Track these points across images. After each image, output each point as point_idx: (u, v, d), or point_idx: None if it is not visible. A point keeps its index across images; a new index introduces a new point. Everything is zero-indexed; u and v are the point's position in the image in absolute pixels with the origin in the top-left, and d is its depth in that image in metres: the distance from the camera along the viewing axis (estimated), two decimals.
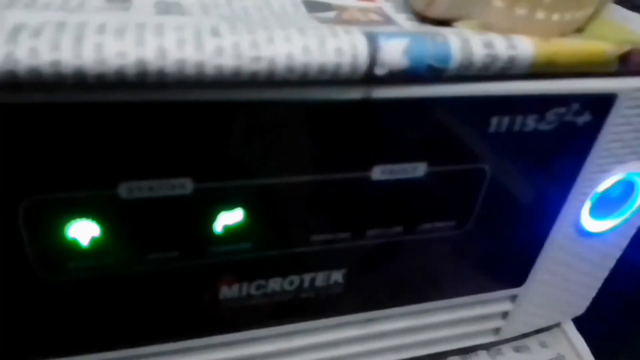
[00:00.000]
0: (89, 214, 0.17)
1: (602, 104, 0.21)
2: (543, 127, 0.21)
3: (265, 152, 0.18)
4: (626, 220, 0.26)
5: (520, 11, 0.20)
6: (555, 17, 0.20)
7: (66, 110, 0.15)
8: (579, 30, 0.23)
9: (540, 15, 0.20)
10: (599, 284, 0.31)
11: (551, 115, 0.20)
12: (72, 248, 0.18)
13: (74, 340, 0.20)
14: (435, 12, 0.21)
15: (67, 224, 0.17)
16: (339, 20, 0.20)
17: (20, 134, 0.15)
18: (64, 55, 0.14)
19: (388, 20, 0.21)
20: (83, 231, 0.18)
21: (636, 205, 0.26)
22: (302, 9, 0.21)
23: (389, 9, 0.22)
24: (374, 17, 0.22)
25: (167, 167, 0.17)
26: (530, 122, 0.20)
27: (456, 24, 0.21)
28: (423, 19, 0.21)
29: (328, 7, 0.22)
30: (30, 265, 0.18)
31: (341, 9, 0.22)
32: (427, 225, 0.22)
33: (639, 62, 0.20)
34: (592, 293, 0.32)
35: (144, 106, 0.16)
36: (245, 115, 0.17)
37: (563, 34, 0.21)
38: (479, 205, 0.22)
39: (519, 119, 0.20)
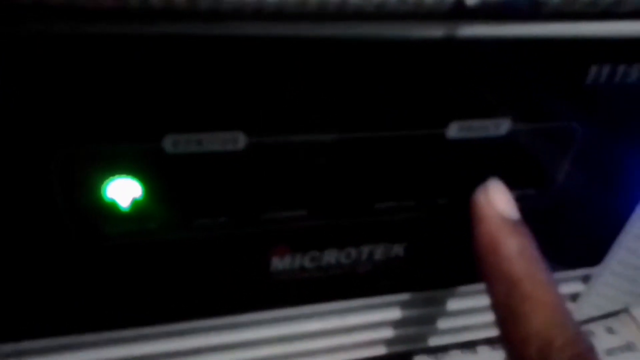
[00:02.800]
0: (129, 170, 0.15)
1: None
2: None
3: (327, 103, 0.16)
4: None
5: None
6: None
7: (108, 44, 0.13)
8: None
9: None
10: None
11: None
12: (111, 210, 0.16)
13: (111, 314, 0.18)
14: None
15: (105, 182, 0.15)
16: None
17: (57, 72, 0.13)
18: None
19: None
20: (123, 191, 0.16)
21: None
22: None
23: None
24: None
25: (217, 119, 0.15)
26: (635, 73, 0.17)
27: None
28: None
29: None
30: (64, 229, 0.16)
31: None
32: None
33: None
34: None
35: (192, 41, 0.13)
36: (309, 57, 0.14)
37: None
38: (563, 171, 0.20)
39: (621, 69, 0.17)
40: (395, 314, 0.23)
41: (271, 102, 0.15)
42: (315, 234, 0.19)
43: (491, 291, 0.17)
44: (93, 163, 0.15)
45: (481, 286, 0.18)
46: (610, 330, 0.31)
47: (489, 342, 0.28)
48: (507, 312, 0.16)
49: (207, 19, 0.13)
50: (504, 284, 0.17)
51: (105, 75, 0.13)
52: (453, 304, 0.24)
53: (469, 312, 0.25)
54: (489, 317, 0.18)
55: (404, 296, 0.23)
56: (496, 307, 0.17)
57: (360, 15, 0.14)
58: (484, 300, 0.18)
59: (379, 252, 0.20)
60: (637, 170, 0.21)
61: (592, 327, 0.31)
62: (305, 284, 0.20)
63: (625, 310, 0.32)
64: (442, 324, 0.25)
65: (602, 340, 0.30)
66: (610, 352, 0.30)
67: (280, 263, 0.19)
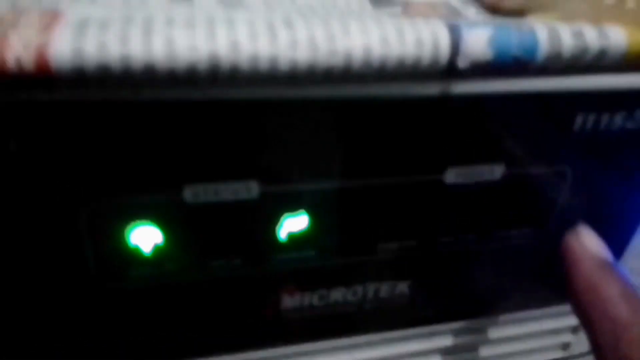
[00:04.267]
0: (152, 219, 0.17)
1: None
2: (630, 125, 0.19)
3: (334, 154, 0.17)
4: None
5: (609, 0, 0.18)
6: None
7: (131, 109, 0.14)
8: None
9: (630, 4, 0.18)
10: None
11: None
12: (135, 255, 0.17)
13: (132, 351, 0.19)
14: (511, 2, 0.20)
15: (130, 230, 0.17)
16: (406, 16, 0.19)
17: (83, 134, 0.15)
18: (134, 50, 0.13)
19: (457, 14, 0.20)
20: (146, 238, 0.17)
21: None
22: (367, 5, 0.20)
23: (457, 3, 0.21)
24: (442, 11, 0.20)
25: (233, 170, 0.16)
26: (618, 120, 0.19)
27: (532, 15, 0.19)
28: (494, 11, 0.20)
29: (392, 3, 0.20)
30: (91, 273, 0.17)
31: (406, 4, 0.21)
32: (501, 233, 0.21)
33: None
34: None
35: (211, 105, 0.15)
36: (317, 114, 0.16)
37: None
38: (557, 210, 0.21)
39: (605, 117, 0.19)
40: (404, 348, 0.24)
41: (281, 154, 0.16)
42: (323, 273, 0.20)
43: (593, 333, 0.18)
44: (120, 213, 0.16)
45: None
46: None
47: None
48: (616, 356, 0.17)
49: (223, 86, 0.14)
50: (610, 327, 0.17)
51: (131, 136, 0.15)
52: (463, 339, 0.25)
53: (480, 344, 0.26)
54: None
55: (409, 332, 0.24)
56: (601, 348, 0.17)
57: (363, 78, 0.15)
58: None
59: (384, 289, 0.21)
60: (628, 208, 0.22)
61: None
62: (314, 321, 0.21)
63: None
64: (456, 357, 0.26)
65: None
66: None
67: (290, 301, 0.20)
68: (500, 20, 0.18)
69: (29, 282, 0.17)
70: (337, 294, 0.21)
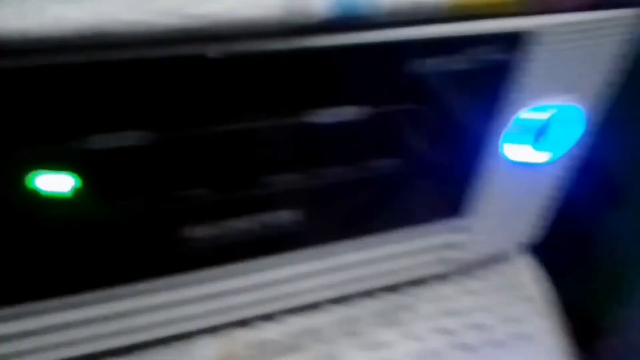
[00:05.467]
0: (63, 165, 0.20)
1: (516, 42, 0.23)
2: (464, 65, 0.23)
3: (222, 101, 0.20)
4: (562, 153, 0.29)
5: None
6: None
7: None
8: None
9: None
10: (548, 213, 0.34)
11: (471, 54, 0.22)
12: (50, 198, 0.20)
13: (43, 285, 0.23)
14: None
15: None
16: None
17: None
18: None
19: None
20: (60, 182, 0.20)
21: (570, 138, 0.28)
22: None
23: None
24: None
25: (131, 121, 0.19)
26: (451, 62, 0.22)
27: None
28: None
29: None
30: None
31: None
32: (369, 163, 0.25)
33: (548, 0, 0.22)
34: (543, 222, 0.35)
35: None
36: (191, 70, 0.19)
37: None
38: (414, 142, 0.25)
39: (442, 60, 0.22)
40: (302, 268, 0.28)
41: (168, 104, 0.20)
42: (219, 207, 0.23)
43: None
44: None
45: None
46: (498, 272, 0.37)
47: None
48: None
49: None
50: None
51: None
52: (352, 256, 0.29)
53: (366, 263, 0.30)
54: None
55: (305, 253, 0.28)
56: None
57: (223, 37, 0.18)
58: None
59: (275, 217, 0.25)
60: (473, 137, 0.26)
61: (482, 271, 0.36)
62: (217, 248, 0.25)
63: (513, 254, 0.37)
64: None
65: (490, 282, 0.36)
66: (499, 289, 0.35)
67: (192, 232, 0.24)
68: None
69: None
70: (236, 224, 0.24)
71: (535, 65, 0.24)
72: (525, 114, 0.26)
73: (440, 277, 0.34)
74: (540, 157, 0.29)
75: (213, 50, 0.19)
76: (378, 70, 0.22)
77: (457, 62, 0.23)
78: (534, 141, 0.28)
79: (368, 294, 0.33)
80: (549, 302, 0.35)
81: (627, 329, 0.39)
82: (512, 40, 0.23)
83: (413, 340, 0.31)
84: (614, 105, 0.30)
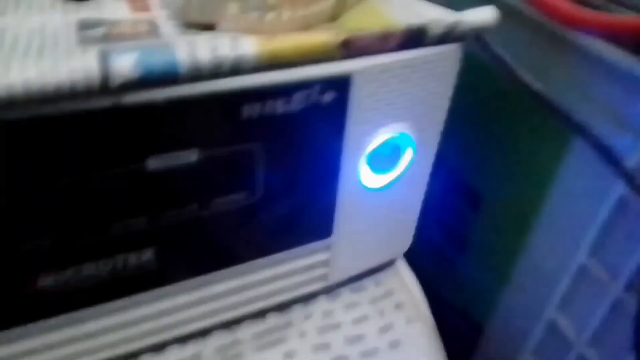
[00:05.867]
0: None
1: (340, 84, 0.25)
2: (294, 108, 0.25)
3: (57, 158, 0.21)
4: (404, 173, 0.31)
5: (252, 15, 0.23)
6: (286, 15, 0.24)
7: None
8: (334, 18, 0.27)
9: (270, 16, 0.23)
10: (411, 224, 0.37)
11: (297, 98, 0.24)
12: None
13: None
14: (190, 17, 0.24)
15: None
16: (108, 37, 0.23)
17: None
18: None
19: (155, 32, 0.24)
20: None
21: (404, 159, 0.31)
22: (73, 31, 0.23)
23: (162, 19, 0.25)
24: (142, 28, 0.24)
25: None
26: (280, 106, 0.24)
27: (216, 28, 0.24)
28: (189, 24, 0.25)
29: (100, 24, 0.24)
30: None
31: (112, 24, 0.24)
32: (221, 200, 0.26)
33: (359, 46, 0.24)
34: (408, 233, 0.37)
35: None
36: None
37: (308, 27, 0.25)
38: (261, 178, 0.26)
39: (269, 104, 0.24)
40: (172, 302, 0.29)
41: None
42: (68, 254, 0.24)
43: None
44: None
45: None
46: (378, 282, 0.39)
47: None
48: None
49: None
50: None
51: None
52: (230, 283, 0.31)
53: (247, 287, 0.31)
54: None
55: (171, 288, 0.29)
56: None
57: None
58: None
59: (131, 258, 0.26)
60: (321, 168, 0.28)
61: (363, 282, 0.38)
62: (74, 292, 0.25)
63: (391, 263, 0.40)
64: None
65: (370, 291, 0.38)
66: (376, 299, 0.38)
67: (45, 280, 0.24)
68: (171, 39, 0.22)
69: None
70: (89, 269, 0.25)
71: (364, 100, 0.26)
72: (365, 143, 0.28)
73: (323, 292, 0.36)
74: (384, 180, 0.31)
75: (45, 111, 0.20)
76: (206, 117, 0.23)
77: (285, 105, 0.24)
78: (376, 167, 0.30)
79: (252, 316, 0.34)
80: (423, 308, 0.38)
81: (503, 320, 0.42)
82: (333, 82, 0.25)
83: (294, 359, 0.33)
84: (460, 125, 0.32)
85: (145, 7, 0.26)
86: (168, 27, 0.25)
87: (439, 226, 0.47)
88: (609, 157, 0.27)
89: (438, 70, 0.28)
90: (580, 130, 0.28)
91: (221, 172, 0.25)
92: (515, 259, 0.39)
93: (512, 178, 0.38)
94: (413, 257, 0.40)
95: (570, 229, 0.34)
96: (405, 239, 0.38)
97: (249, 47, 0.22)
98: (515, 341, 0.41)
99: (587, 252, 0.33)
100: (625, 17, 0.25)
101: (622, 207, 0.30)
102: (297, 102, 0.24)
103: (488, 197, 0.41)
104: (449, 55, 0.28)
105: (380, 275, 0.39)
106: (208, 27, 0.24)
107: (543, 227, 0.36)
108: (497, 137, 0.39)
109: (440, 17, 0.27)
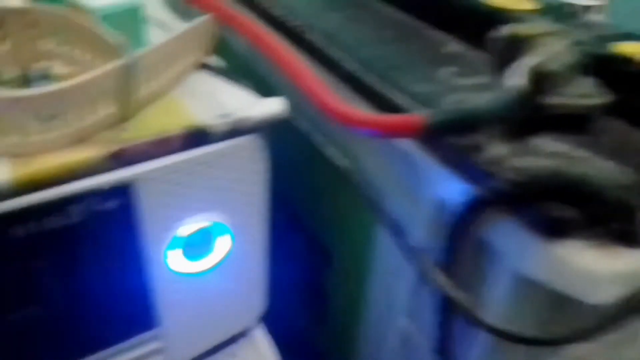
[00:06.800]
0: None
1: (119, 191, 0.25)
2: (74, 220, 0.25)
3: None
4: (226, 257, 0.32)
5: (13, 138, 0.23)
6: (52, 135, 0.24)
7: None
8: (125, 119, 0.27)
9: (35, 138, 0.23)
10: (256, 296, 0.37)
11: (74, 210, 0.24)
12: None
13: None
14: None
15: None
16: None
17: None
18: None
19: None
20: None
21: (219, 246, 0.31)
22: None
23: None
24: None
25: None
26: (56, 220, 0.24)
27: None
28: None
29: None
30: None
31: None
32: (15, 316, 0.26)
33: (133, 154, 0.25)
34: (255, 304, 0.38)
35: None
36: None
37: (86, 137, 0.25)
38: (55, 288, 0.26)
39: (44, 221, 0.24)
40: None
41: None
42: None
43: None
44: None
45: None
46: (232, 355, 0.39)
47: None
48: None
49: None
50: None
51: None
52: None
53: None
54: None
55: None
56: None
57: None
58: None
59: None
60: (125, 268, 0.28)
61: (218, 356, 0.39)
62: None
63: (247, 333, 0.40)
64: None
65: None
66: None
67: None
68: None
69: None
70: None
71: (156, 200, 0.27)
72: (167, 237, 0.29)
73: None
74: (201, 266, 0.31)
75: None
76: None
77: (62, 219, 0.24)
78: (192, 254, 0.31)
79: None
80: None
81: None
82: (111, 191, 0.25)
83: None
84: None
85: None
86: None
87: (297, 282, 0.48)
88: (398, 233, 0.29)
89: (239, 161, 0.29)
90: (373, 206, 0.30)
91: (6, 290, 0.25)
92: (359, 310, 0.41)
93: (351, 235, 0.40)
94: (272, 319, 0.41)
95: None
96: (253, 309, 0.38)
97: (3, 173, 0.22)
98: None
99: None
100: (393, 117, 0.27)
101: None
102: (76, 214, 0.25)
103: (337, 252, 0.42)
104: (247, 146, 0.29)
105: (235, 347, 0.40)
106: None
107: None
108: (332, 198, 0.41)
109: (229, 112, 0.28)
